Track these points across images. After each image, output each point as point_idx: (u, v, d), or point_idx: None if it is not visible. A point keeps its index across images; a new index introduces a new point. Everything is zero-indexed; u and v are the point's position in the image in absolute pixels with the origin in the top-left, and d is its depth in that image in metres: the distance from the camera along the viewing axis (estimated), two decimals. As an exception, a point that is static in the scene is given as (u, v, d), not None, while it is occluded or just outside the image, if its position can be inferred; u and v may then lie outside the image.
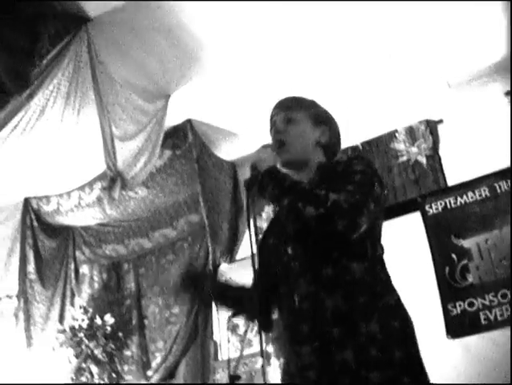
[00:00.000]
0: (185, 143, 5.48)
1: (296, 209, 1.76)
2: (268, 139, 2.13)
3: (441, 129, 5.07)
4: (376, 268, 1.85)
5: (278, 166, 1.96)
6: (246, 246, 5.89)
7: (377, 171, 1.94)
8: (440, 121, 5.08)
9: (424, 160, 5.04)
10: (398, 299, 1.83)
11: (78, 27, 4.15)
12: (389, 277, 1.87)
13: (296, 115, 2.07)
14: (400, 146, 5.19)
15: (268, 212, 5.70)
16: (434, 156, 5.00)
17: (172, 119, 5.22)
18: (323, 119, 2.12)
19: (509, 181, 4.61)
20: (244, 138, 5.69)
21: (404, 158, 5.15)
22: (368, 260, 1.83)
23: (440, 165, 4.96)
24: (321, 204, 1.73)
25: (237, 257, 5.98)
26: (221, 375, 5.48)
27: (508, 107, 4.75)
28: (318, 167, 2.03)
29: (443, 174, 4.93)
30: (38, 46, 4.00)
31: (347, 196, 1.73)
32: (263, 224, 5.71)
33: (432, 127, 5.07)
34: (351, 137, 5.34)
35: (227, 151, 5.93)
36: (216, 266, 5.91)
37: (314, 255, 1.84)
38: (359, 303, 1.74)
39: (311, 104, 2.16)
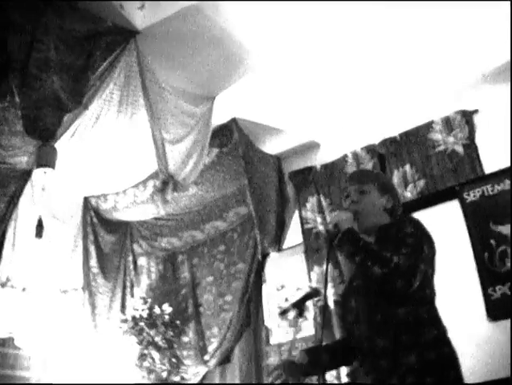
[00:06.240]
0: (231, 140, 5.61)
1: (365, 267, 2.20)
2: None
3: (477, 119, 5.05)
4: (418, 310, 2.25)
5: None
6: (293, 235, 6.09)
7: (425, 229, 2.36)
8: (476, 111, 5.06)
9: (461, 150, 5.01)
10: (438, 333, 2.24)
11: (127, 40, 4.27)
12: (434, 314, 2.29)
13: (367, 187, 2.53)
14: (437, 136, 5.17)
15: (312, 202, 5.89)
16: (471, 145, 4.97)
17: (218, 119, 5.36)
18: (387, 188, 2.59)
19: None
20: (287, 132, 5.85)
21: (441, 148, 5.13)
22: (411, 304, 2.24)
23: (477, 154, 4.92)
24: (385, 265, 2.15)
25: (285, 246, 6.12)
26: (274, 359, 5.64)
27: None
28: (379, 228, 2.47)
29: (480, 162, 4.89)
30: (91, 62, 4.09)
31: (405, 260, 2.16)
32: (308, 215, 5.92)
33: (468, 117, 5.04)
34: (389, 129, 5.47)
35: (271, 146, 6.07)
36: (264, 255, 6.13)
37: (371, 305, 2.31)
38: (402, 341, 2.18)
39: (378, 176, 2.68)
